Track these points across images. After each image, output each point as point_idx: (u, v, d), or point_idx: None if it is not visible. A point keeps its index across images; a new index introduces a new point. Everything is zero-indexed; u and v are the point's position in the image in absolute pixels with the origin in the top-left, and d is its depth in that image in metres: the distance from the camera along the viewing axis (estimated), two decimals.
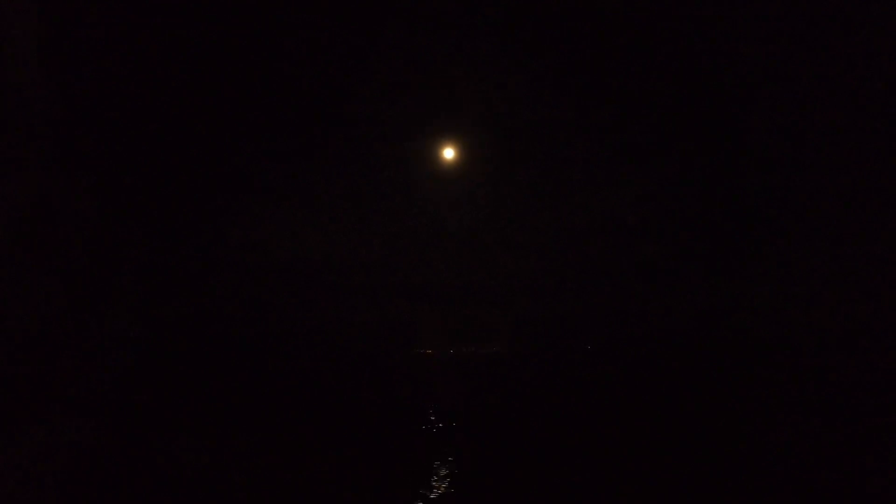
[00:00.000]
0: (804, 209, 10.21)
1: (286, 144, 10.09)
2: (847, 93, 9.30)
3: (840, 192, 9.89)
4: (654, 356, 10.50)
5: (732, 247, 10.81)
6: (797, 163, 10.15)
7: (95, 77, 8.01)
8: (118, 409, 7.08)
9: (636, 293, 10.70)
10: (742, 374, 9.88)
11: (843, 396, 8.45)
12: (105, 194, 8.16)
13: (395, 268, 10.78)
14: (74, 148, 7.80)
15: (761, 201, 10.63)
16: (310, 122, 10.25)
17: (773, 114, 10.20)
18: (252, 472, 6.54)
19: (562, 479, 6.95)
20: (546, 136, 10.85)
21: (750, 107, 10.44)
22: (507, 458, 7.66)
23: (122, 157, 8.46)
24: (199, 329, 9.32)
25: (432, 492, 6.56)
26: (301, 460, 7.04)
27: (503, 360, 10.94)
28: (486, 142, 10.74)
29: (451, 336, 10.86)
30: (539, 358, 10.73)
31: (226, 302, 9.61)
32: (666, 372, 10.39)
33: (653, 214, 10.81)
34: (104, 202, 8.10)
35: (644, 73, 10.31)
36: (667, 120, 10.61)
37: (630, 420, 9.02)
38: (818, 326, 9.69)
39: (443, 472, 7.15)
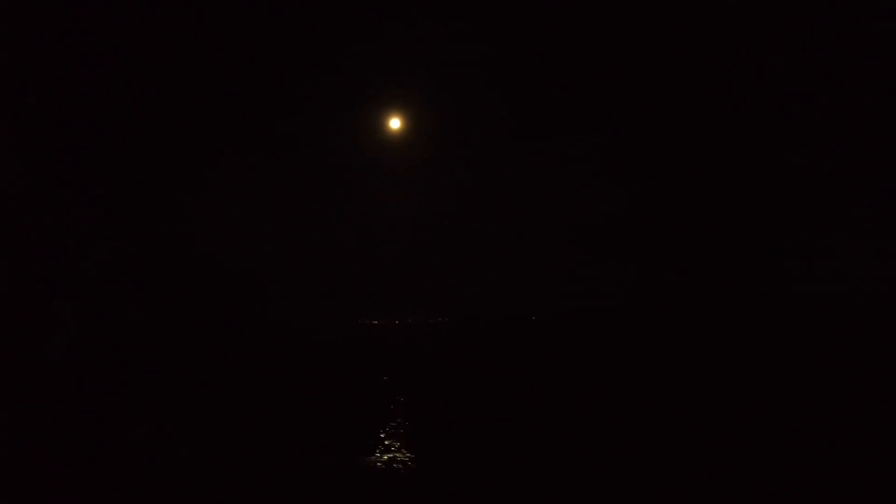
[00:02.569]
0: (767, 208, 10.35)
1: (225, 130, 9.87)
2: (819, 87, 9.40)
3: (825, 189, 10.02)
4: (597, 331, 10.72)
5: (675, 232, 10.97)
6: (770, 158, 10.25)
7: (36, 70, 7.78)
8: (54, 392, 7.00)
9: (581, 268, 10.83)
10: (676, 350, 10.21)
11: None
12: (50, 183, 7.98)
13: (339, 243, 10.68)
14: (18, 136, 7.58)
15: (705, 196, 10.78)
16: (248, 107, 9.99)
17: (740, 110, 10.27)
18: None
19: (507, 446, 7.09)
20: (496, 111, 10.80)
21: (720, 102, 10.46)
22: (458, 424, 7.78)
23: (68, 146, 8.24)
24: (138, 316, 9.14)
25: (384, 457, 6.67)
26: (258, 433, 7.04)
27: (449, 329, 11.06)
28: (434, 115, 10.63)
29: (397, 306, 10.89)
30: (484, 327, 10.86)
31: (169, 288, 9.44)
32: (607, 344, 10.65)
33: (597, 188, 10.89)
34: (49, 191, 7.93)
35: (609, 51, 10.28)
36: (620, 99, 10.63)
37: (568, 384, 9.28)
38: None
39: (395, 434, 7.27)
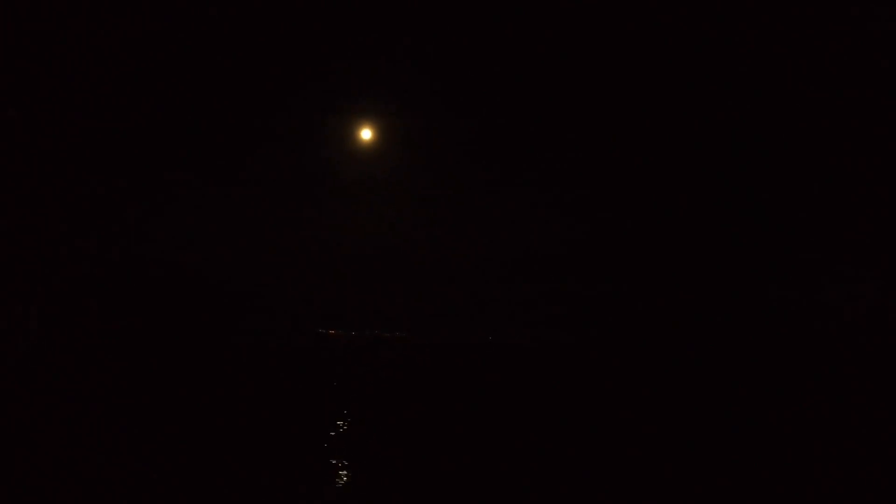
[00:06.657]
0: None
1: (193, 140, 9.66)
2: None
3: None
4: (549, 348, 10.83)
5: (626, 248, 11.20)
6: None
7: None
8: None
9: (538, 288, 10.88)
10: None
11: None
12: (13, 192, 7.67)
13: (304, 257, 10.40)
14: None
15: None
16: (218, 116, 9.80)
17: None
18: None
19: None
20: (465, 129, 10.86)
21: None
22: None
23: (32, 157, 7.92)
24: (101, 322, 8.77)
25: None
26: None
27: (407, 344, 10.82)
28: (403, 129, 10.57)
29: (355, 319, 10.57)
30: (442, 344, 10.70)
31: (136, 300, 9.02)
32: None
33: (553, 213, 11.04)
34: (11, 199, 7.63)
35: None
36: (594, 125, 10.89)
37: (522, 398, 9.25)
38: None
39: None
